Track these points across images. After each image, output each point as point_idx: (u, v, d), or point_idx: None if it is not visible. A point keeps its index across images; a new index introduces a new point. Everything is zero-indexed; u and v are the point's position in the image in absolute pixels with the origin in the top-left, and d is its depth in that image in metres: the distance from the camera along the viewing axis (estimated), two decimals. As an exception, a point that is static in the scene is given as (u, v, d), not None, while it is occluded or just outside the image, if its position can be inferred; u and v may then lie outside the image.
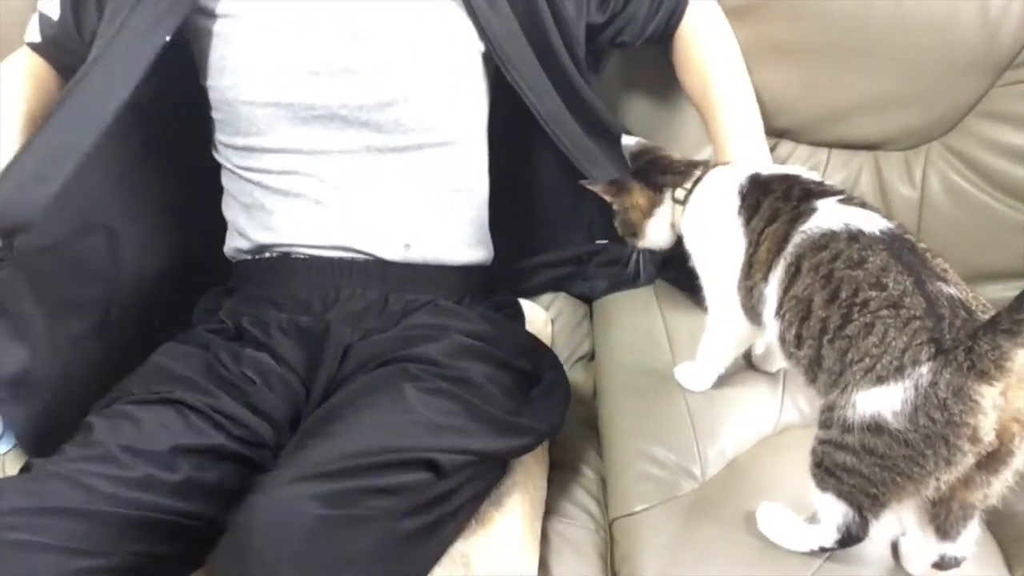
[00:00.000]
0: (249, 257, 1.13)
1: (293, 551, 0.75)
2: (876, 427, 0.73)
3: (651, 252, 1.04)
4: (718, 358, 1.03)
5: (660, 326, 1.16)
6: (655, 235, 1.01)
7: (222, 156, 1.12)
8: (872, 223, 0.81)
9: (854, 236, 0.80)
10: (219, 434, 0.92)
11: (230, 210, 1.14)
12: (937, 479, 0.72)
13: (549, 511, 1.02)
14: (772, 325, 0.86)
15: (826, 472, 0.79)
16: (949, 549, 0.81)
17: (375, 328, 1.04)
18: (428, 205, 1.10)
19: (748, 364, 1.09)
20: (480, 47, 1.10)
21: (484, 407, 0.93)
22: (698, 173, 0.98)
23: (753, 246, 0.88)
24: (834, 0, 1.18)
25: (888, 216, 0.83)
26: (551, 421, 1.02)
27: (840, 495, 0.79)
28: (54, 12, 1.12)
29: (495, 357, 1.03)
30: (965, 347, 0.69)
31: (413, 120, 1.07)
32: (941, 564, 0.83)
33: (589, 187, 1.05)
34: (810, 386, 0.83)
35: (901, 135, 1.21)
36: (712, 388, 1.06)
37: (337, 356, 1.01)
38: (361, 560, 0.78)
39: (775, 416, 1.05)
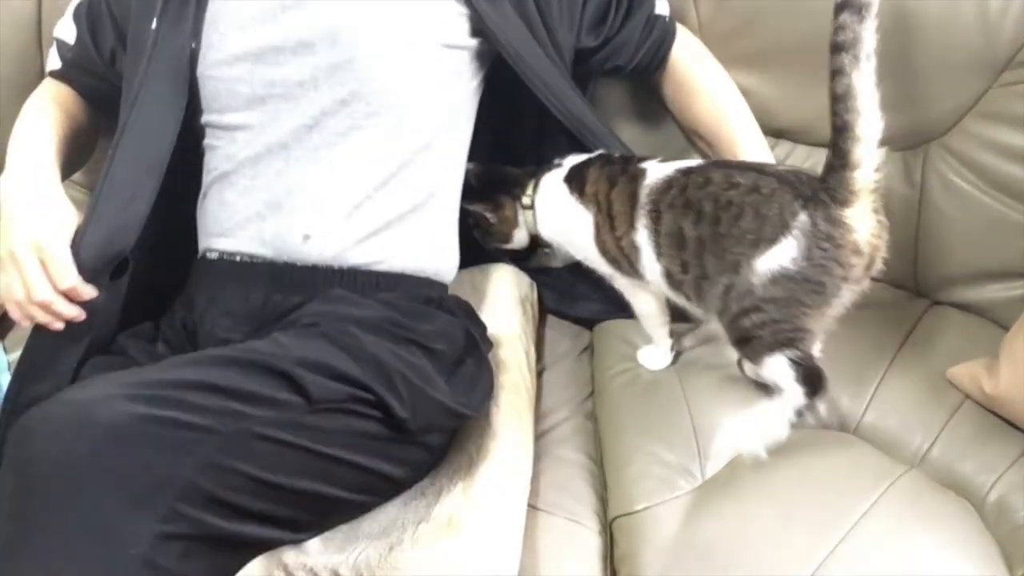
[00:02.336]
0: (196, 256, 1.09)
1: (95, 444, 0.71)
2: (776, 278, 0.89)
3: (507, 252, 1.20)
4: (654, 323, 1.12)
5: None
6: (518, 239, 1.17)
7: (195, 141, 1.09)
8: (693, 162, 1.00)
9: (688, 171, 0.98)
10: None
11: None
12: (837, 297, 0.90)
13: (548, 509, 1.01)
14: (655, 268, 1.00)
15: (749, 342, 0.93)
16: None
17: (260, 323, 1.00)
18: (390, 206, 1.04)
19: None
20: (472, 43, 1.09)
21: (370, 351, 0.88)
22: (531, 181, 1.12)
23: (605, 206, 1.03)
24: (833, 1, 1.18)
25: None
26: (465, 403, 0.96)
27: (771, 348, 0.93)
28: (70, 36, 1.13)
29: (397, 335, 0.95)
30: (823, 189, 0.88)
31: (374, 103, 1.03)
32: None
33: (472, 208, 1.10)
34: (699, 306, 0.98)
35: (899, 135, 1.20)
36: (712, 388, 1.06)
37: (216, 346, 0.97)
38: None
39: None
